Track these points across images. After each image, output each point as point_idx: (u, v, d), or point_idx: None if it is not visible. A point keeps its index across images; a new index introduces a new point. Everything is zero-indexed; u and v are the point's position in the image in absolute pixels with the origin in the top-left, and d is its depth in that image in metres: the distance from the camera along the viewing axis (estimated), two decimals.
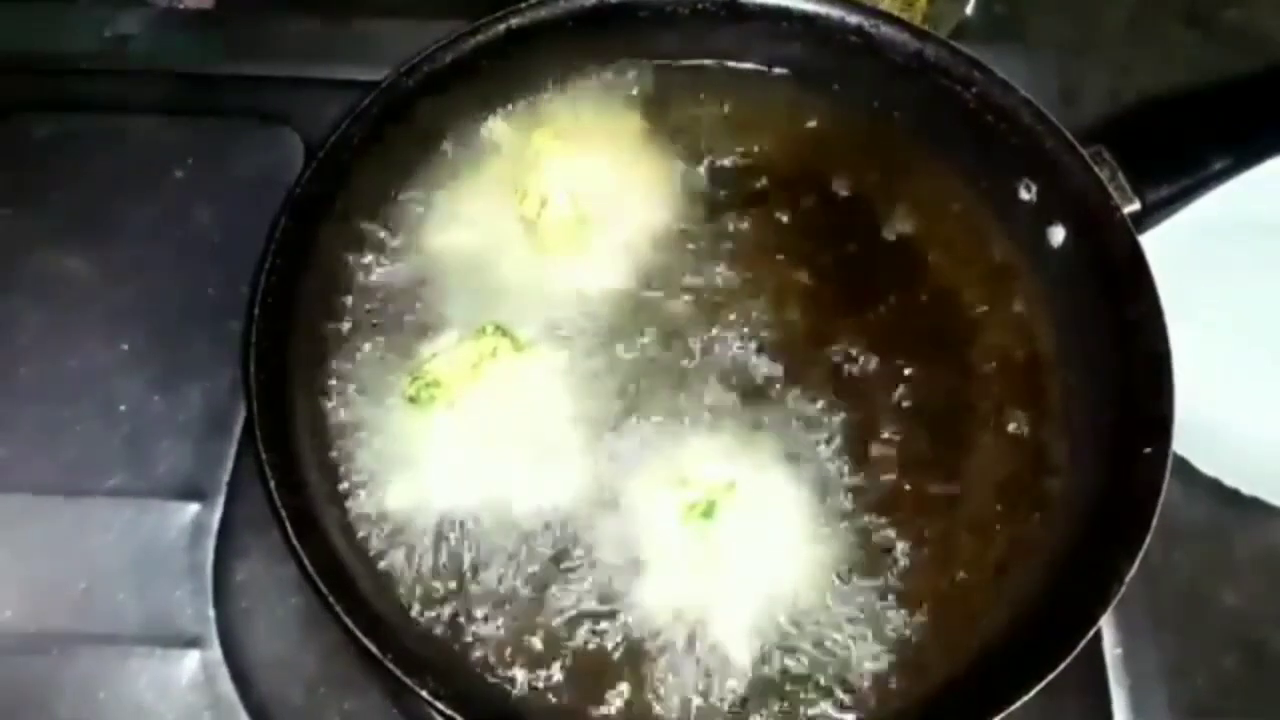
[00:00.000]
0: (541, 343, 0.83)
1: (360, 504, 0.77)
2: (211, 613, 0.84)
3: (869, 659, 0.74)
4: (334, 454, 0.79)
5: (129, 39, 1.09)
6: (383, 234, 0.87)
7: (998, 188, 0.88)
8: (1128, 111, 1.07)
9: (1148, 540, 0.70)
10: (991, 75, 0.86)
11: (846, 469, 0.80)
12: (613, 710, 0.72)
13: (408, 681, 0.67)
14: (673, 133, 0.92)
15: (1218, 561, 0.89)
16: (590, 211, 0.87)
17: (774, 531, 0.77)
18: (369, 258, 0.86)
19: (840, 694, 0.73)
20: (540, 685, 0.73)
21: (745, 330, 0.84)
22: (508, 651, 0.74)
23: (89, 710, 0.82)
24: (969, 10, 1.13)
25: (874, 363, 0.84)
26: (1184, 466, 0.87)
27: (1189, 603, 0.87)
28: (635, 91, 0.94)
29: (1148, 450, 0.74)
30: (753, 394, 0.82)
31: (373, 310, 0.84)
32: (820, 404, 0.82)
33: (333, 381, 0.81)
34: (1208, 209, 0.89)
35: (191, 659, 0.83)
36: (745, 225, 0.89)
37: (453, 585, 0.75)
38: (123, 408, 0.91)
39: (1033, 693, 0.67)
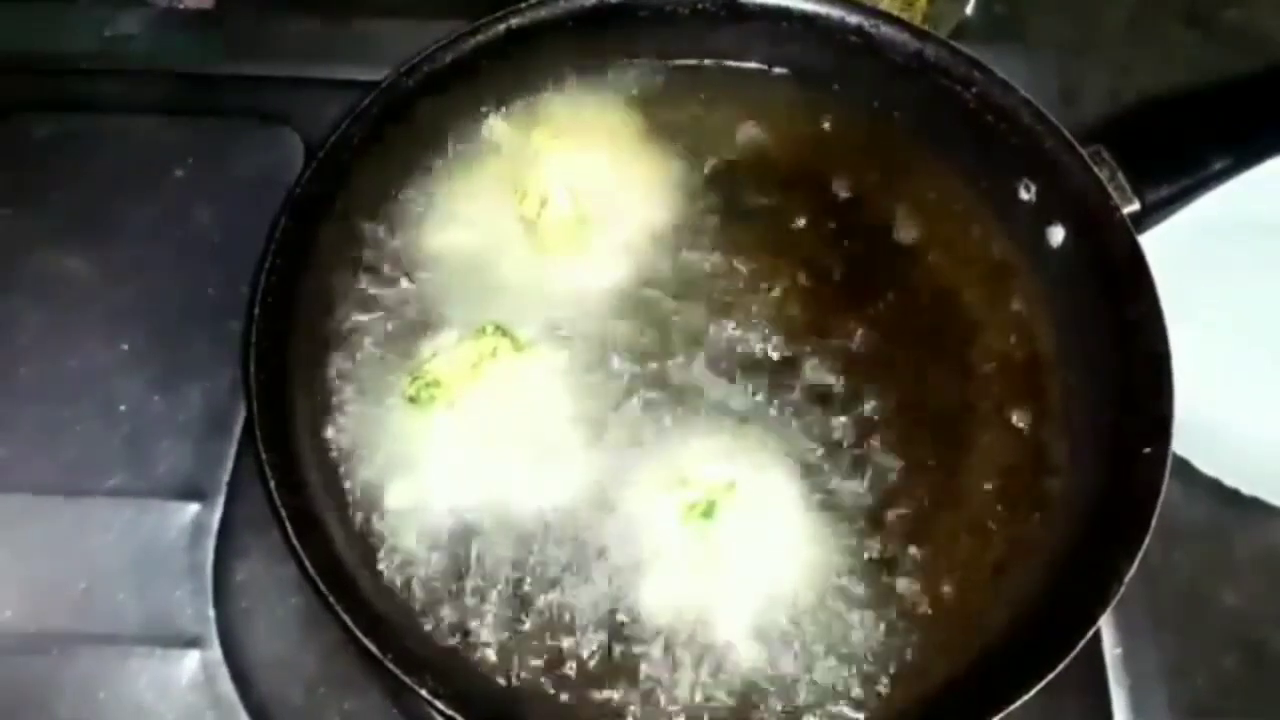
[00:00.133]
0: (541, 343, 0.83)
1: (360, 504, 0.77)
2: (211, 613, 0.84)
3: (869, 659, 0.74)
4: (334, 454, 0.79)
5: (129, 39, 1.09)
6: (383, 234, 0.87)
7: (997, 188, 0.88)
8: (1128, 111, 1.07)
9: (1147, 540, 0.70)
10: (991, 75, 0.86)
11: (846, 469, 0.80)
12: (613, 710, 0.72)
13: (408, 681, 0.67)
14: (673, 133, 0.92)
15: (1218, 561, 0.89)
16: (590, 211, 0.87)
17: (774, 531, 0.77)
18: (369, 258, 0.86)
19: (840, 694, 0.73)
20: (540, 685, 0.73)
21: (745, 330, 0.84)
22: (508, 651, 0.74)
23: (89, 710, 0.82)
24: (969, 10, 1.13)
25: (874, 363, 0.84)
26: (1184, 466, 0.87)
27: (1189, 603, 0.87)
28: (635, 91, 0.94)
29: (1148, 450, 0.74)
30: (753, 393, 0.82)
31: (373, 310, 0.84)
32: (820, 404, 0.82)
33: (333, 381, 0.81)
34: (1208, 209, 0.89)
35: (191, 659, 0.83)
36: (745, 225, 0.89)
37: (453, 585, 0.75)
38: (123, 408, 0.91)
39: (1032, 693, 0.67)
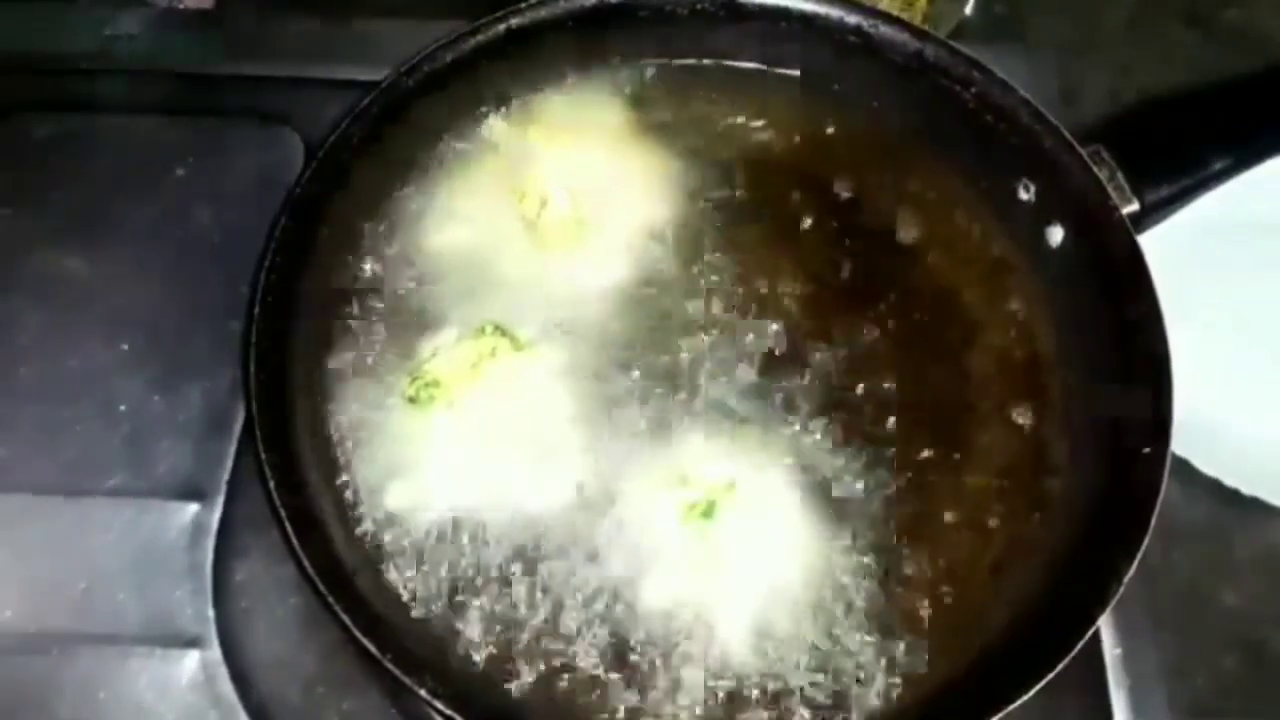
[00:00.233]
0: (541, 342, 0.83)
1: (360, 504, 0.77)
2: (211, 613, 0.84)
3: (869, 658, 0.74)
4: (334, 454, 0.79)
5: (129, 39, 1.09)
6: (382, 233, 0.87)
7: (997, 188, 0.88)
8: (1127, 111, 1.07)
9: (1147, 540, 0.70)
10: (991, 75, 0.86)
11: (846, 468, 0.80)
12: (612, 710, 0.72)
13: (407, 681, 0.67)
14: (672, 132, 0.92)
15: (1218, 561, 0.89)
16: (590, 211, 0.87)
17: (774, 531, 0.77)
18: (369, 257, 0.86)
19: (840, 694, 0.73)
20: (540, 685, 0.73)
21: (745, 330, 0.84)
22: (507, 651, 0.74)
23: (89, 710, 0.82)
24: (969, 10, 1.13)
25: (873, 363, 0.84)
26: (1184, 466, 0.87)
27: (1189, 603, 0.87)
28: (635, 91, 0.94)
29: (1147, 450, 0.74)
30: (753, 393, 0.82)
31: (372, 310, 0.84)
32: (819, 403, 0.82)
33: (333, 382, 0.81)
34: (1208, 209, 0.89)
35: (191, 659, 0.83)
36: (744, 225, 0.89)
37: (452, 585, 0.75)
38: (123, 408, 0.91)
39: (1032, 693, 0.67)
